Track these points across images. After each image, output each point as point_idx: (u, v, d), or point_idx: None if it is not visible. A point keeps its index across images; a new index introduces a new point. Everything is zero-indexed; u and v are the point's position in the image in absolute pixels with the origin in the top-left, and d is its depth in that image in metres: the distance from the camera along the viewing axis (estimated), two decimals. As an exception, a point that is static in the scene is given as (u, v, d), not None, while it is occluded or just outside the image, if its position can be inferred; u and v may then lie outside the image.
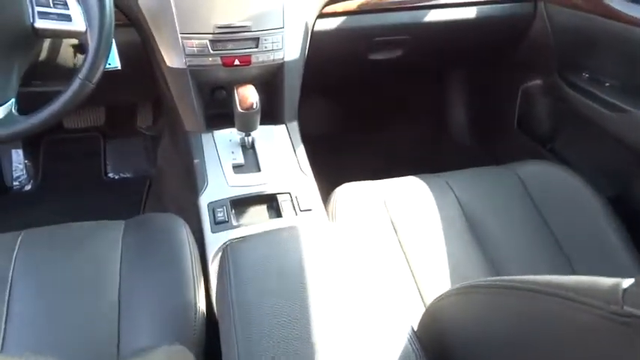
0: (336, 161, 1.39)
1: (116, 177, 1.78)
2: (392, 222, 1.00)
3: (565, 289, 0.37)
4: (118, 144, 1.82)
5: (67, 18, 0.80)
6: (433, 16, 1.28)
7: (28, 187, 1.71)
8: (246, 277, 0.60)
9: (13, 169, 1.71)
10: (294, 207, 0.97)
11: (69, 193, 1.69)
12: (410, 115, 1.89)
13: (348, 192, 1.04)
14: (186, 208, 1.28)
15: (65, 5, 0.80)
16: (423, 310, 0.85)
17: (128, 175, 1.78)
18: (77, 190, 1.70)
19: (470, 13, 1.31)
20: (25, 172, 1.71)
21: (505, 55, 1.55)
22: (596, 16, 1.17)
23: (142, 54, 1.12)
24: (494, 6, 1.33)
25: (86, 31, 0.81)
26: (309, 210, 0.97)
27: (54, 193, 1.69)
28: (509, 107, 1.60)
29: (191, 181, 1.07)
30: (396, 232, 0.98)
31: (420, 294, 0.89)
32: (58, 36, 0.92)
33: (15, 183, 1.70)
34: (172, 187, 1.48)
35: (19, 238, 0.88)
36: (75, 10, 0.80)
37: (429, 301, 0.87)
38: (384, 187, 1.08)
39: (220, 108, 1.16)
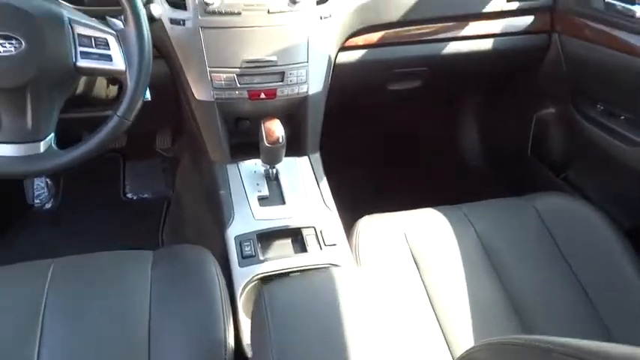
0: (353, 187, 1.41)
1: (134, 198, 1.81)
2: (413, 257, 1.02)
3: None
4: (137, 165, 1.86)
5: (108, 58, 0.83)
6: (451, 48, 1.31)
7: (48, 206, 1.74)
8: (284, 322, 0.62)
9: (35, 187, 1.74)
10: (318, 241, 0.99)
11: (88, 213, 1.72)
12: (424, 141, 1.91)
13: (370, 225, 1.06)
14: (205, 233, 1.30)
15: (106, 46, 0.83)
16: (448, 353, 0.87)
17: (146, 196, 1.81)
18: (96, 209, 1.73)
19: (486, 44, 1.34)
20: (46, 190, 1.74)
21: (519, 82, 1.58)
22: (610, 49, 1.19)
23: (169, 85, 1.15)
24: (510, 38, 1.35)
25: (125, 71, 0.84)
26: (334, 245, 0.99)
27: (73, 212, 1.72)
28: (523, 134, 1.62)
29: (216, 212, 1.10)
30: (418, 268, 1.00)
31: (445, 336, 0.90)
32: (98, 74, 0.95)
33: (36, 201, 1.74)
34: (191, 211, 1.50)
35: (51, 267, 0.91)
36: (115, 50, 0.83)
37: (453, 344, 0.89)
38: (403, 219, 1.10)
39: (244, 137, 1.19)
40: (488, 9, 1.27)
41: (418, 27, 1.26)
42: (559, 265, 1.05)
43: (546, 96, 1.51)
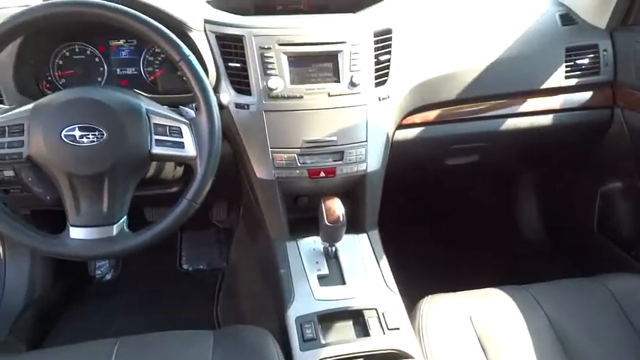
0: (411, 263, 1.38)
1: (190, 269, 1.84)
2: (480, 342, 0.96)
3: None
4: (193, 236, 1.90)
5: (181, 145, 0.87)
6: (510, 124, 1.31)
7: (108, 277, 1.80)
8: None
9: (96, 259, 1.80)
10: (381, 325, 0.96)
11: (146, 284, 1.76)
12: (482, 215, 1.87)
13: (432, 307, 1.03)
14: (262, 310, 1.29)
15: (179, 134, 0.88)
16: None
17: (201, 267, 1.84)
18: (153, 280, 1.77)
19: (546, 120, 1.33)
20: (106, 261, 1.80)
21: (582, 157, 1.54)
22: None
23: (231, 164, 1.19)
24: (570, 113, 1.34)
25: (196, 157, 0.88)
26: (397, 329, 0.95)
27: (132, 283, 1.77)
28: (588, 209, 1.56)
29: (275, 290, 1.09)
30: (485, 354, 0.94)
31: None
32: (170, 160, 1.00)
33: (97, 272, 1.80)
34: (247, 286, 1.50)
35: (116, 346, 0.91)
36: (188, 137, 0.88)
37: None
38: (467, 300, 1.06)
39: (301, 213, 1.20)
40: (546, 85, 1.27)
41: (476, 104, 1.27)
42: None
43: (611, 170, 1.46)
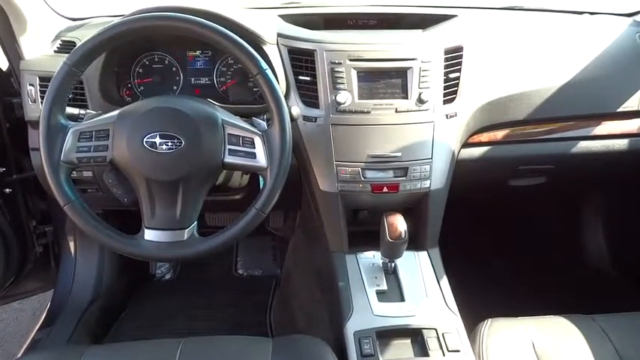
0: (471, 284, 1.35)
1: (245, 274, 1.89)
2: (544, 372, 0.93)
3: None
4: (249, 242, 1.94)
5: (253, 156, 0.90)
6: (581, 146, 1.26)
7: (167, 277, 1.87)
8: None
9: (157, 259, 1.88)
10: (440, 346, 0.94)
11: (202, 286, 1.81)
12: (545, 239, 1.81)
13: (493, 330, 1.00)
14: (317, 321, 1.30)
15: (252, 144, 0.90)
16: None
17: (256, 273, 1.88)
18: (209, 283, 1.83)
19: (621, 144, 1.27)
20: (166, 263, 1.87)
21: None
22: None
23: (294, 175, 1.21)
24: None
25: (267, 167, 0.90)
26: (457, 351, 0.94)
27: (189, 284, 1.83)
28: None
29: (332, 302, 1.10)
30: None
31: None
32: (241, 170, 1.03)
33: (158, 272, 1.88)
34: (301, 295, 1.51)
35: (180, 346, 0.94)
36: (260, 148, 0.90)
37: None
38: (530, 326, 1.02)
39: (360, 226, 1.20)
40: (623, 108, 1.22)
41: (547, 125, 1.23)
42: None
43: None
